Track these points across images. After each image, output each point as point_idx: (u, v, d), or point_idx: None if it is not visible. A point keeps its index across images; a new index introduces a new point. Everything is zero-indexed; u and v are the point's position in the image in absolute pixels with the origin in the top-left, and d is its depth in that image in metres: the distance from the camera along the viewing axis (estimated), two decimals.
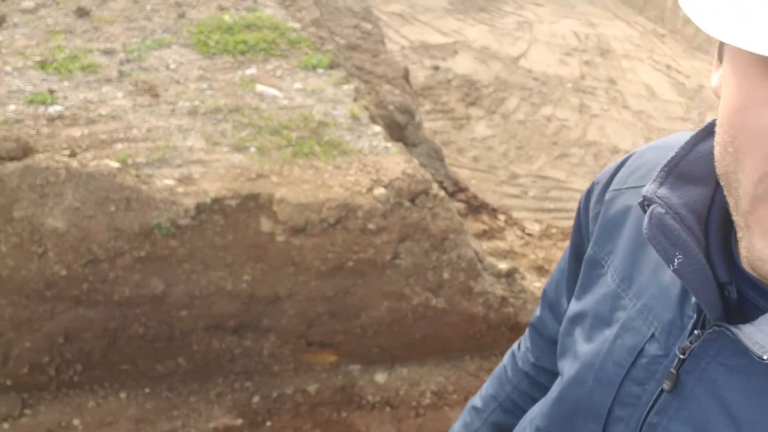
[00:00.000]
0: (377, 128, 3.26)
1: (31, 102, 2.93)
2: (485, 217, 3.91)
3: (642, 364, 0.70)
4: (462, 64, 6.77)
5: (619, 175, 0.83)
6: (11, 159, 2.52)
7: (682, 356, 0.65)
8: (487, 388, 1.11)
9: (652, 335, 0.69)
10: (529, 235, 3.90)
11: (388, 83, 4.19)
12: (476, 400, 1.12)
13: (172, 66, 3.40)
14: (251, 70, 3.48)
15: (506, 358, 1.11)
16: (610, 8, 8.97)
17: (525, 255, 3.64)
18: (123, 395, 2.71)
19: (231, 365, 2.88)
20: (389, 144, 3.16)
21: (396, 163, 3.01)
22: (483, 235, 3.78)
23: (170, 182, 2.73)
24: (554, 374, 0.94)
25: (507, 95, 6.50)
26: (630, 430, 0.71)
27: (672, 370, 0.66)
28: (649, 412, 0.68)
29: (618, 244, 0.78)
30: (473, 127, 6.02)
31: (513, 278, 3.10)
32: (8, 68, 3.11)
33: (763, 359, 0.55)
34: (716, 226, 0.65)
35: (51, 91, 3.05)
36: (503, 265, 3.12)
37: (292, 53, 3.69)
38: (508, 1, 8.43)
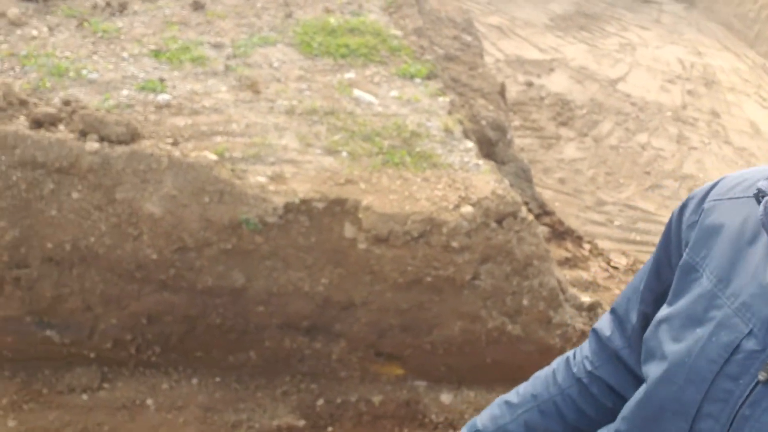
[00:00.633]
0: (469, 144, 3.21)
1: (142, 89, 3.05)
2: (569, 245, 3.79)
3: (737, 359, 0.71)
4: (557, 82, 6.62)
5: (716, 189, 0.88)
6: (120, 143, 2.64)
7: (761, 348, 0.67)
8: (526, 386, 1.10)
9: (750, 331, 0.71)
10: (615, 268, 3.75)
11: (482, 98, 4.13)
12: (510, 396, 1.10)
13: (275, 64, 3.47)
14: (350, 75, 3.51)
15: (556, 363, 1.10)
16: (720, 38, 8.55)
17: (608, 289, 3.51)
18: (195, 381, 2.78)
19: (299, 365, 2.91)
20: (480, 161, 3.11)
21: (486, 182, 2.96)
22: (565, 263, 3.67)
23: (262, 179, 2.78)
24: (609, 388, 1.00)
25: (601, 118, 6.31)
26: (720, 426, 0.72)
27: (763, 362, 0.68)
28: (742, 405, 0.70)
29: (714, 249, 0.81)
30: (562, 148, 5.86)
31: (595, 312, 2.99)
32: (125, 54, 3.27)
33: None
34: None
35: (161, 80, 3.17)
36: (586, 298, 3.01)
37: (392, 60, 3.69)
38: (612, 22, 8.18)
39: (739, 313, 0.73)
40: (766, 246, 0.74)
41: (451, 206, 2.82)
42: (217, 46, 3.49)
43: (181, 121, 2.98)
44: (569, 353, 1.09)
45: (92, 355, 2.78)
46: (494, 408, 1.11)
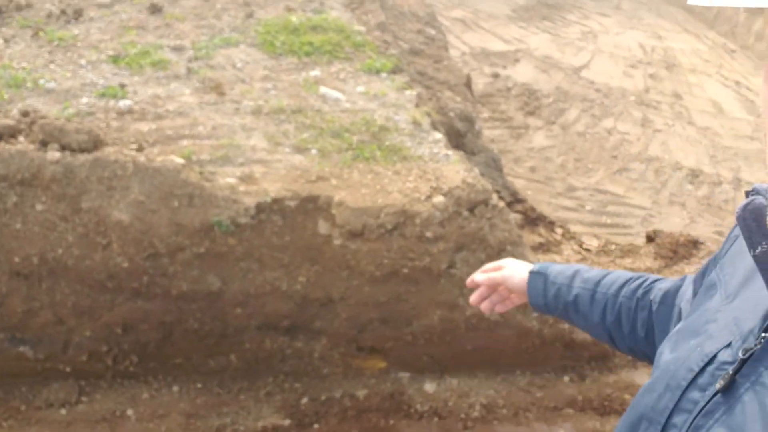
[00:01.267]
0: (438, 135, 3.23)
1: (102, 95, 3.01)
2: (542, 230, 3.82)
3: (709, 370, 0.70)
4: (522, 73, 6.67)
5: None
6: (82, 151, 2.59)
7: (742, 356, 0.65)
8: (603, 273, 1.18)
9: (729, 344, 0.70)
10: (587, 250, 3.79)
11: (449, 90, 4.15)
12: (586, 270, 1.19)
13: (239, 65, 3.45)
14: (315, 72, 3.50)
15: (635, 275, 1.15)
16: (680, 21, 8.71)
17: None
18: (176, 388, 2.75)
19: (281, 365, 2.89)
20: (450, 152, 3.12)
21: (456, 171, 2.97)
22: (539, 248, 3.70)
23: (232, 180, 2.76)
24: (650, 324, 1.07)
25: (567, 106, 6.37)
26: None
27: (730, 371, 0.66)
28: (698, 415, 0.68)
29: (739, 269, 0.79)
30: (531, 137, 5.91)
31: None
32: (83, 61, 3.21)
33: None
34: None
35: (122, 86, 3.13)
36: None
37: (356, 56, 3.69)
38: (573, 11, 8.28)
39: (728, 327, 0.72)
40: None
41: (423, 197, 2.82)
42: (178, 49, 3.45)
43: (144, 127, 2.94)
44: (652, 276, 1.15)
45: (68, 368, 2.73)
46: (568, 268, 1.20)
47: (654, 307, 1.08)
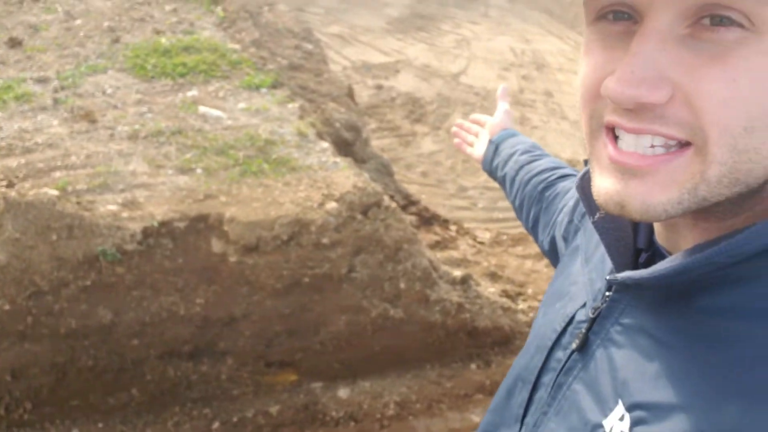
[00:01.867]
0: (325, 144, 3.25)
1: None
2: (437, 228, 3.93)
3: (570, 329, 0.72)
4: (404, 82, 6.86)
5: None
6: None
7: (592, 315, 0.67)
8: (531, 160, 1.22)
9: (584, 304, 0.72)
10: (481, 243, 3.94)
11: (333, 101, 4.20)
12: (522, 153, 1.23)
13: (109, 91, 3.32)
14: (192, 92, 3.44)
15: (559, 165, 1.20)
16: (543, 24, 9.27)
17: (478, 262, 3.67)
18: None
19: (188, 392, 2.79)
20: (338, 159, 3.15)
21: (346, 177, 3.00)
22: (436, 245, 3.80)
23: (114, 207, 2.65)
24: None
25: (450, 111, 6.61)
26: (547, 395, 0.72)
27: (583, 330, 0.68)
28: (559, 374, 0.70)
29: (594, 233, 0.81)
30: (420, 143, 6.08)
31: (468, 284, 3.12)
32: None
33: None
34: None
35: None
36: (457, 273, 3.14)
37: (234, 74, 3.66)
38: (446, 21, 8.61)
39: (585, 287, 0.74)
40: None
41: (315, 205, 2.83)
42: (42, 81, 3.29)
43: (13, 162, 2.77)
44: (563, 171, 1.18)
45: None
46: (516, 144, 1.25)
47: (544, 205, 1.12)
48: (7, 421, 2.53)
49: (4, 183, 2.62)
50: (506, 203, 5.72)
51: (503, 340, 3.18)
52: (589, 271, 0.76)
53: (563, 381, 0.70)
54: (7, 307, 2.48)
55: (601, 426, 0.62)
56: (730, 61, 0.49)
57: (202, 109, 3.32)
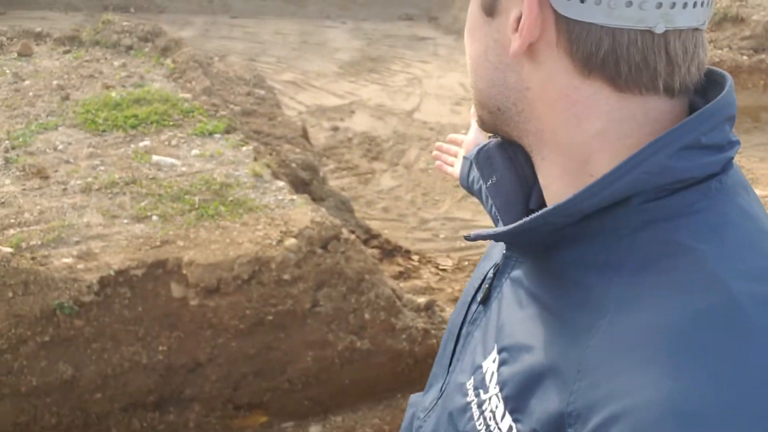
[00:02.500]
0: (281, 183, 3.28)
1: None
2: (400, 259, 3.96)
3: (483, 286, 0.78)
4: (360, 123, 6.97)
5: None
6: None
7: (493, 271, 0.75)
8: None
9: (496, 263, 0.79)
10: (443, 270, 3.98)
11: (288, 143, 4.25)
12: None
13: (60, 147, 3.32)
14: (145, 142, 3.45)
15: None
16: None
17: (442, 289, 3.71)
18: None
19: None
20: (295, 197, 3.18)
21: (303, 213, 3.03)
22: (399, 276, 3.83)
23: (69, 260, 2.62)
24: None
25: (407, 147, 6.72)
26: (459, 348, 0.79)
27: (486, 285, 0.75)
28: (466, 325, 0.78)
29: None
30: (379, 180, 6.15)
31: (432, 310, 3.15)
32: None
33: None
34: None
35: None
36: (421, 299, 3.16)
37: (186, 122, 3.69)
38: (396, 61, 8.82)
39: (498, 247, 0.80)
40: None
41: (274, 242, 2.85)
42: None
43: None
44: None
45: None
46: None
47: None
48: None
49: None
50: (468, 232, 5.80)
51: None
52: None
53: (470, 330, 0.76)
54: None
55: (480, 366, 0.68)
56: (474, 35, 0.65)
57: (155, 158, 3.33)
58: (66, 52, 4.44)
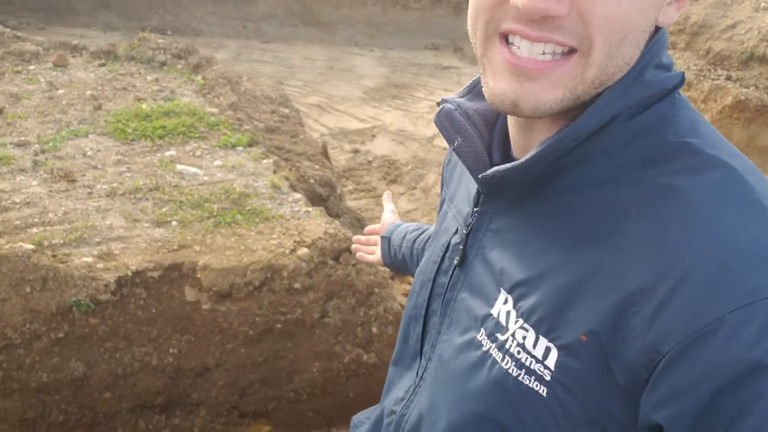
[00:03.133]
0: (298, 195, 3.35)
1: None
2: (410, 277, 3.98)
3: (448, 255, 0.81)
4: (381, 146, 7.06)
5: None
6: None
7: (466, 232, 0.77)
8: (420, 232, 1.29)
9: (456, 230, 0.82)
10: None
11: (307, 159, 4.33)
12: (414, 233, 1.30)
13: (89, 153, 3.43)
14: (171, 152, 3.55)
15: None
16: None
17: None
18: None
19: None
20: (310, 209, 3.24)
21: (318, 224, 3.09)
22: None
23: (89, 259, 2.70)
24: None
25: (425, 171, 6.78)
26: (439, 318, 0.80)
27: (460, 247, 0.78)
28: (446, 293, 0.79)
29: (454, 176, 0.93)
30: (396, 203, 6.20)
31: None
32: None
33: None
34: (500, 127, 0.79)
35: None
36: None
37: (211, 135, 3.79)
38: (420, 89, 8.94)
39: (455, 219, 0.84)
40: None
41: (287, 251, 2.90)
42: (22, 145, 3.39)
43: None
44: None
45: None
46: (403, 230, 1.31)
47: None
48: None
49: None
50: None
51: None
52: (455, 205, 0.86)
53: (450, 296, 0.78)
54: None
55: (489, 315, 0.70)
56: None
57: (179, 167, 3.43)
58: (101, 65, 4.60)
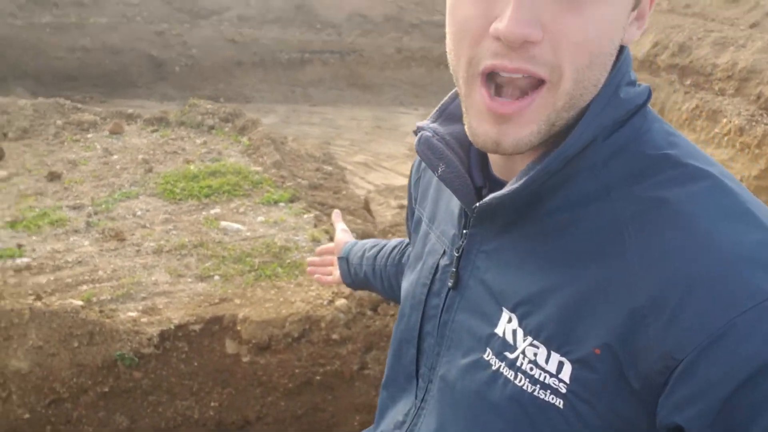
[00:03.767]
0: None
1: None
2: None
3: (438, 277, 0.81)
4: None
5: None
6: None
7: (457, 254, 0.77)
8: (382, 248, 1.28)
9: (444, 252, 0.82)
10: None
11: (350, 214, 4.39)
12: (373, 250, 1.28)
13: (139, 213, 3.58)
14: (215, 210, 3.67)
15: (399, 242, 1.27)
16: None
17: None
18: None
19: None
20: None
21: None
22: None
23: (134, 314, 2.78)
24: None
25: None
26: (434, 339, 0.80)
27: (453, 269, 0.78)
28: (441, 314, 0.79)
29: (429, 197, 0.93)
30: None
31: None
32: None
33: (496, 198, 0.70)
34: (475, 149, 0.79)
35: (19, 246, 3.18)
36: None
37: (255, 192, 3.91)
38: None
39: (439, 240, 0.84)
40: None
41: (326, 302, 2.91)
42: (77, 207, 3.57)
43: (43, 279, 2.96)
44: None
45: None
46: (361, 248, 1.30)
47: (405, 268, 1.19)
48: None
49: (32, 297, 2.79)
50: None
51: None
52: (437, 226, 0.86)
53: (447, 318, 0.78)
54: (27, 415, 2.55)
55: (494, 334, 0.71)
56: (584, 10, 0.61)
57: (223, 223, 3.53)
58: (154, 131, 4.84)
